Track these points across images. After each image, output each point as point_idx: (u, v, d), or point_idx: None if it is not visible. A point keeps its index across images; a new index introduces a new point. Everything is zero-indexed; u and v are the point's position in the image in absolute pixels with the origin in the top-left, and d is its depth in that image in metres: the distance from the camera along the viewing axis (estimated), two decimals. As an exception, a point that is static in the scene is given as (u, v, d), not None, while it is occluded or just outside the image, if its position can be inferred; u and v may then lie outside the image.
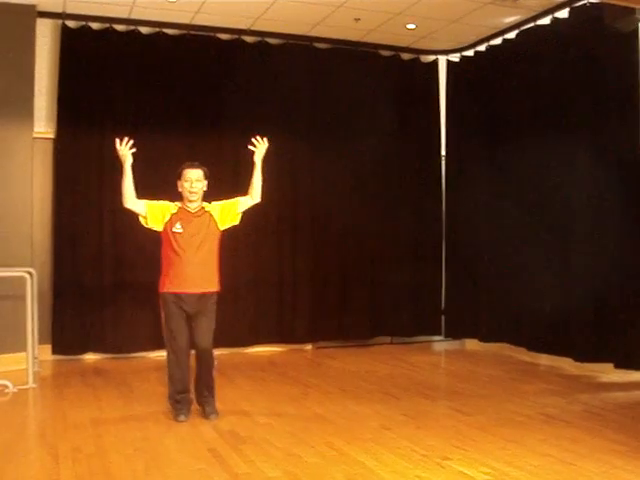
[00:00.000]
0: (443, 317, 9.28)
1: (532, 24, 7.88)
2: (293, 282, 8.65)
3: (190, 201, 5.43)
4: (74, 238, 7.81)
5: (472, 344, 8.93)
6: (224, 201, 5.58)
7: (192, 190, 5.39)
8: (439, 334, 9.30)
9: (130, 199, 5.44)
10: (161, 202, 5.50)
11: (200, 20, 7.96)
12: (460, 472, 4.19)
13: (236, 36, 8.35)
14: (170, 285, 5.38)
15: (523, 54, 8.02)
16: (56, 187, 7.82)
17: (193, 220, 5.42)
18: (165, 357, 5.49)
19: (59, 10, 7.61)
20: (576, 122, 7.32)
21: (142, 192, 7.90)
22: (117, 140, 5.42)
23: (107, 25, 7.87)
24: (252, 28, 8.24)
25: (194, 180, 5.40)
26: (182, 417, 5.34)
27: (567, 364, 7.39)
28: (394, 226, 9.06)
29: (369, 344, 8.95)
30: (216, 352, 7.30)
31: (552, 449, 4.64)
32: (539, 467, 4.29)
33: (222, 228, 5.54)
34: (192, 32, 8.13)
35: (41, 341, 7.45)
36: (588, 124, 7.20)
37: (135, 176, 7.88)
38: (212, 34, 8.23)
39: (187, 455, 4.55)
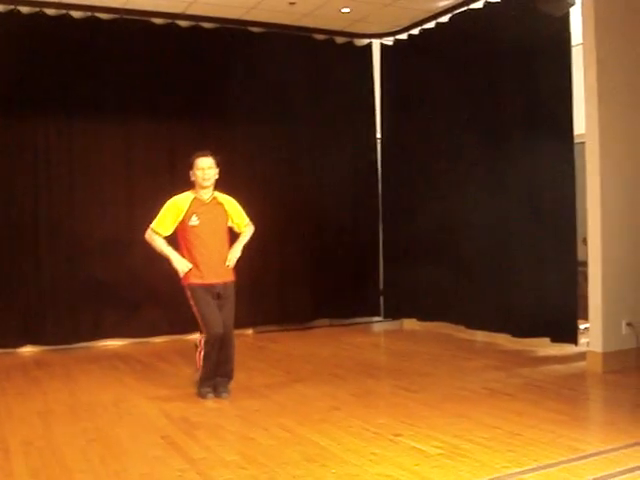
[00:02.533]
0: (382, 298, 9.41)
1: (465, 8, 8.00)
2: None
3: (203, 188, 5.58)
4: (9, 228, 7.61)
5: (410, 324, 9.09)
6: (240, 208, 5.87)
7: (205, 177, 5.56)
8: (378, 315, 9.43)
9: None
10: (169, 206, 5.60)
11: (133, 4, 7.82)
12: (413, 447, 4.30)
13: (170, 20, 8.24)
14: (196, 277, 5.52)
15: (456, 38, 8.14)
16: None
17: (207, 209, 5.59)
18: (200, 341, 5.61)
19: (-13, -7, 7.40)
20: (510, 104, 7.50)
21: (81, 179, 7.84)
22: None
23: (37, 9, 7.66)
24: (186, 12, 8.15)
25: (206, 168, 5.57)
26: (211, 395, 5.55)
27: (505, 340, 7.61)
28: (332, 209, 9.11)
29: (309, 327, 9.02)
30: (156, 340, 7.39)
31: (499, 421, 4.79)
32: (489, 439, 4.42)
33: (231, 225, 5.78)
34: (125, 16, 7.99)
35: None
36: (522, 106, 7.38)
37: (74, 163, 7.83)
38: (146, 18, 8.11)
39: (142, 443, 4.53)
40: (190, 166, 5.61)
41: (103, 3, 7.75)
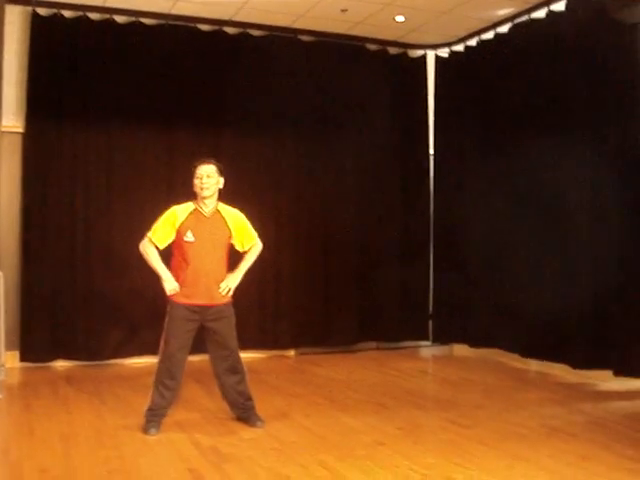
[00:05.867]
0: (431, 321, 8.94)
1: (526, 17, 7.54)
2: (275, 285, 8.25)
3: (204, 198, 5.09)
4: (44, 239, 7.36)
5: (460, 349, 8.60)
6: (245, 224, 5.26)
7: (203, 186, 5.06)
8: (427, 339, 8.95)
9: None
10: (168, 215, 5.15)
11: (179, 9, 7.53)
12: (467, 495, 3.84)
13: (217, 27, 7.94)
14: (182, 296, 5.07)
15: (516, 49, 7.69)
16: (25, 185, 7.36)
17: (206, 225, 5.10)
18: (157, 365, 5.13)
19: (29, -4, 7.19)
20: (573, 118, 7.00)
21: (121, 190, 7.56)
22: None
23: (80, 13, 7.42)
24: (234, 19, 7.85)
25: (205, 176, 5.08)
26: (153, 430, 4.96)
27: (562, 371, 7.09)
28: (380, 227, 8.71)
29: (354, 350, 8.57)
30: (193, 358, 6.92)
31: (563, 467, 4.32)
32: (552, 488, 3.95)
33: (233, 242, 5.22)
34: (171, 22, 7.71)
35: (8, 347, 7.00)
36: (586, 120, 6.88)
37: (114, 173, 7.55)
38: (192, 24, 7.82)
39: (166, 476, 4.16)
40: (192, 174, 5.14)
41: (148, 8, 7.50)
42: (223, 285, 5.10)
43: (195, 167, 5.13)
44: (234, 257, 5.30)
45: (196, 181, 5.08)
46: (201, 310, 5.07)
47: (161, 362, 5.08)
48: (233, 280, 5.16)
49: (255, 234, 5.29)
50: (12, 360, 7.15)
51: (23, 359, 7.30)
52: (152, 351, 7.44)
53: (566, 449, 4.67)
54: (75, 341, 7.46)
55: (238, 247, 5.24)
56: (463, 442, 4.83)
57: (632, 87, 6.48)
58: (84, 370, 7.28)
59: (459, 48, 8.62)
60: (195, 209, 5.13)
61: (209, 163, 5.15)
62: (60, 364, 7.46)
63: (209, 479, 4.05)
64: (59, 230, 7.41)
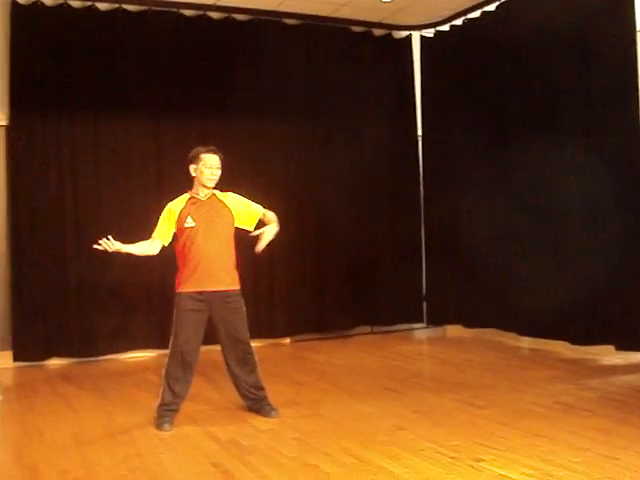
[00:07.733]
0: (425, 303, 8.92)
1: (514, -6, 7.50)
2: (268, 273, 8.14)
3: (205, 187, 5.00)
4: (33, 233, 7.18)
5: (454, 330, 8.60)
6: (245, 200, 5.14)
7: (212, 177, 4.98)
8: (421, 321, 8.93)
9: (148, 251, 5.01)
10: (164, 213, 5.04)
11: (162, -6, 7.40)
12: (500, 475, 3.79)
13: (201, 12, 7.78)
14: (188, 284, 4.93)
15: (504, 27, 7.63)
16: (11, 178, 7.17)
17: (204, 209, 4.99)
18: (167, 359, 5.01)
19: (8, -15, 6.97)
20: (566, 98, 6.96)
21: (110, 181, 7.40)
22: (103, 243, 4.78)
23: (61, 1, 7.22)
24: (218, 3, 7.69)
25: (216, 167, 4.99)
26: (167, 426, 4.84)
27: (560, 347, 7.10)
28: (371, 211, 8.66)
29: (349, 335, 8.54)
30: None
31: (587, 442, 4.28)
32: (581, 464, 3.91)
33: (237, 225, 5.09)
34: (154, 8, 7.54)
35: (0, 347, 6.85)
36: (579, 100, 6.84)
37: (101, 164, 7.37)
38: (175, 10, 7.65)
39: (191, 472, 4.03)
40: (191, 160, 4.99)
41: (130, -6, 7.34)
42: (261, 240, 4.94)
43: (200, 154, 4.99)
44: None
45: (206, 171, 4.95)
46: (208, 297, 4.94)
47: (171, 356, 4.97)
48: (266, 237, 4.96)
49: (260, 207, 5.17)
50: (5, 360, 7.02)
51: (17, 359, 7.13)
52: (146, 345, 7.49)
53: (585, 425, 4.65)
54: (68, 338, 7.31)
55: (247, 226, 5.11)
56: (482, 422, 4.79)
57: (626, 64, 6.41)
58: (79, 367, 7.15)
59: (445, 28, 8.55)
60: (191, 197, 5.04)
61: (216, 153, 5.03)
62: (54, 362, 7.30)
63: (237, 473, 3.95)
64: (48, 225, 7.24)
